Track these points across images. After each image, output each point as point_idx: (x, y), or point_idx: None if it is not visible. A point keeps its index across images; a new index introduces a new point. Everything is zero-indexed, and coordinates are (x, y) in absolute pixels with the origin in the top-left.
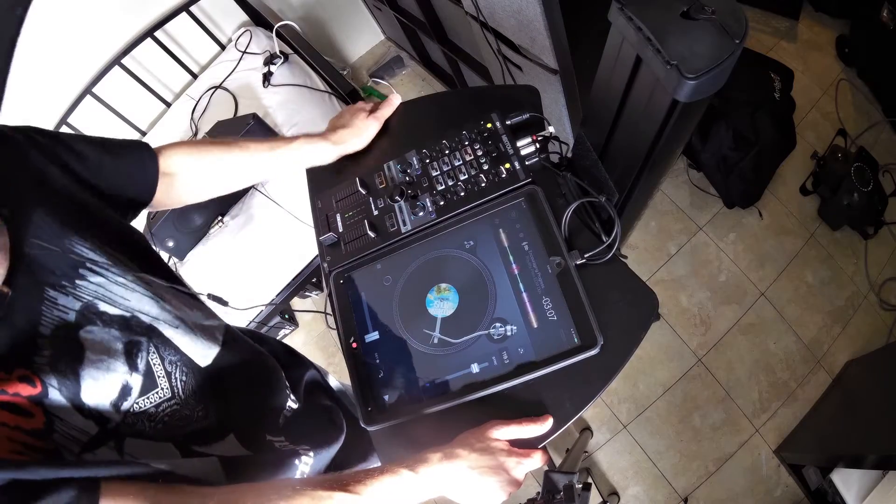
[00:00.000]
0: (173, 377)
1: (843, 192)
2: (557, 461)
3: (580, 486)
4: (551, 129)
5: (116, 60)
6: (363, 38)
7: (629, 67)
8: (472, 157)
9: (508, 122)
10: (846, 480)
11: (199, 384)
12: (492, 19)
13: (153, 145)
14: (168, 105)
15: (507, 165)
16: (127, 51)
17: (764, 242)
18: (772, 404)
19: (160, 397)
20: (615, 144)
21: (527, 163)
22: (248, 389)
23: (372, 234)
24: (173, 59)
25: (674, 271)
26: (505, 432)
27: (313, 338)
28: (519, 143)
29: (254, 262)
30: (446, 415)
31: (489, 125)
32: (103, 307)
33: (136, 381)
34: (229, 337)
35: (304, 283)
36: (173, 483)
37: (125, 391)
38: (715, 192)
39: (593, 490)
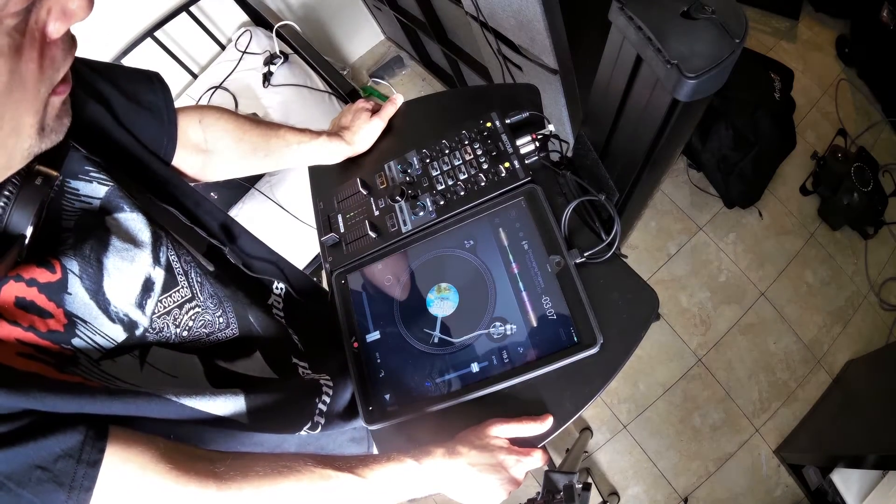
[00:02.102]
0: (190, 276)
1: (843, 192)
2: (557, 461)
3: (580, 486)
4: (551, 127)
5: (117, 60)
6: (363, 38)
7: (629, 67)
8: (472, 156)
9: (508, 121)
10: (846, 480)
11: (213, 288)
12: (492, 19)
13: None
14: None
15: (507, 164)
16: (127, 51)
17: (764, 242)
18: (772, 404)
19: (182, 297)
20: (615, 144)
21: (526, 162)
22: (256, 300)
23: (373, 235)
24: (173, 59)
25: (674, 271)
26: (505, 430)
27: None
28: (518, 142)
29: None
30: (447, 414)
31: (489, 124)
32: (127, 194)
33: (158, 275)
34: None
35: None
36: (191, 431)
37: (148, 286)
38: (715, 192)
39: (593, 490)
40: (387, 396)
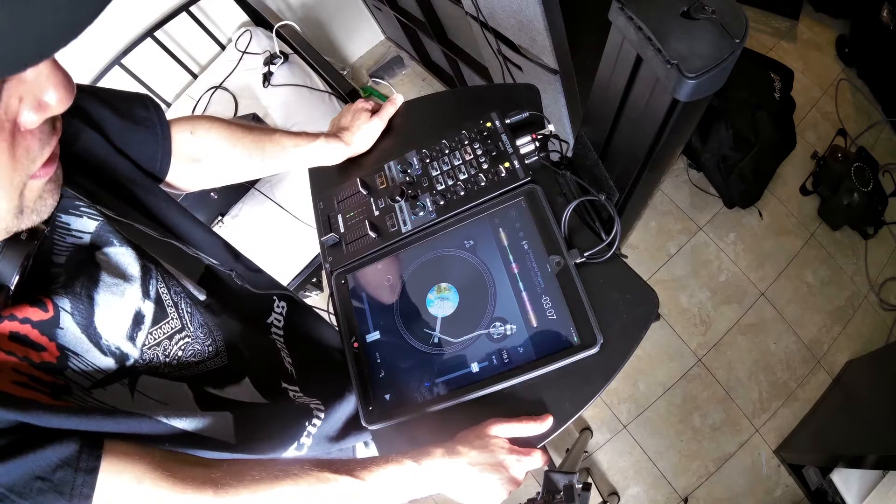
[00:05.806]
0: (180, 308)
1: (843, 192)
2: (557, 461)
3: (580, 486)
4: (551, 127)
5: (117, 60)
6: (363, 38)
7: (629, 67)
8: (472, 156)
9: (508, 121)
10: (846, 480)
11: (203, 317)
12: (492, 19)
13: (184, 113)
14: (168, 105)
15: (507, 164)
16: (127, 51)
17: (764, 242)
18: (772, 404)
19: (171, 328)
20: (615, 144)
21: (526, 162)
22: (249, 327)
23: (373, 235)
24: (173, 59)
25: (674, 271)
26: (505, 430)
27: None
28: (518, 142)
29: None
30: (447, 414)
31: (489, 124)
32: (117, 229)
33: (148, 308)
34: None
35: (304, 282)
36: (178, 449)
37: (138, 320)
38: (715, 192)
39: (593, 490)
40: (387, 396)
